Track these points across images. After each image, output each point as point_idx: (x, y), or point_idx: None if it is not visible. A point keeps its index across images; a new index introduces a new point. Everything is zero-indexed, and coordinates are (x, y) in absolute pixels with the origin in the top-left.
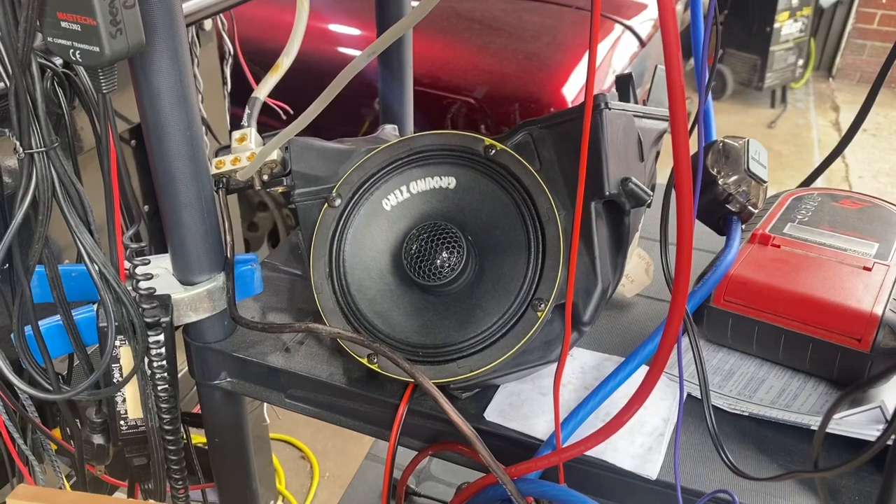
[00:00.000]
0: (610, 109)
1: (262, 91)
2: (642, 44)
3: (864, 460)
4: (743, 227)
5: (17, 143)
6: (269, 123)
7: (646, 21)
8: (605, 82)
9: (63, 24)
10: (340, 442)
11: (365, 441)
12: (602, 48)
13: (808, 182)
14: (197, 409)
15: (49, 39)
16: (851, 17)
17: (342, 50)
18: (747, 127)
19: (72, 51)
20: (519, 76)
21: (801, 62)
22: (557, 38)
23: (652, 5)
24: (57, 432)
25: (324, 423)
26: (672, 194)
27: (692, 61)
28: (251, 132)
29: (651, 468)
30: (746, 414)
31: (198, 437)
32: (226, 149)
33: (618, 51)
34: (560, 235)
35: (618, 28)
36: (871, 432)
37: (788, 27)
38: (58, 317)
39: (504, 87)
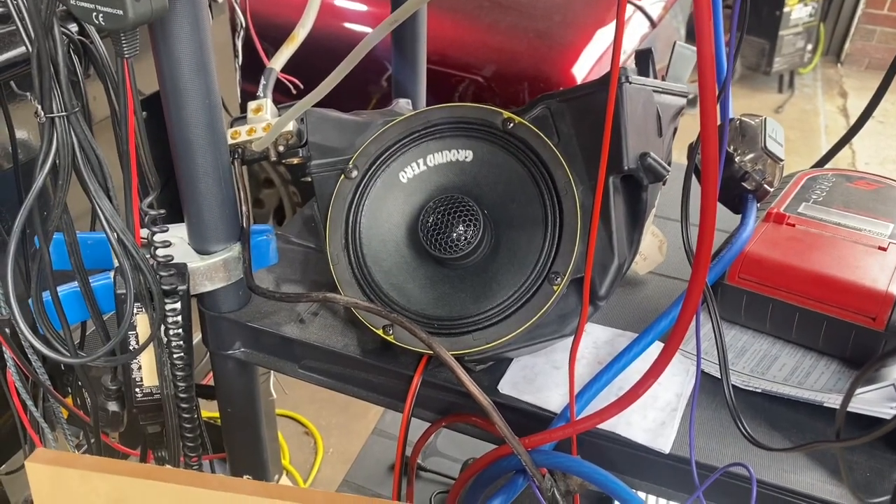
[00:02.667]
0: (631, 84)
1: (278, 62)
2: (653, 24)
3: (887, 431)
4: (758, 205)
5: (39, 107)
6: (278, 99)
7: (656, 2)
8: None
9: None
10: (344, 419)
11: (368, 418)
12: (612, 28)
13: (821, 163)
14: (206, 380)
15: (72, 2)
16: (861, 1)
17: (350, 26)
18: (754, 111)
19: (95, 14)
20: (529, 54)
21: (809, 47)
22: (568, 16)
23: None
24: (69, 400)
25: (328, 399)
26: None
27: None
28: (267, 102)
29: (664, 442)
30: (759, 390)
31: (205, 412)
32: (241, 119)
33: (629, 31)
34: (578, 210)
35: (629, 8)
36: (886, 409)
37: (798, 11)
38: (75, 283)
39: (513, 65)
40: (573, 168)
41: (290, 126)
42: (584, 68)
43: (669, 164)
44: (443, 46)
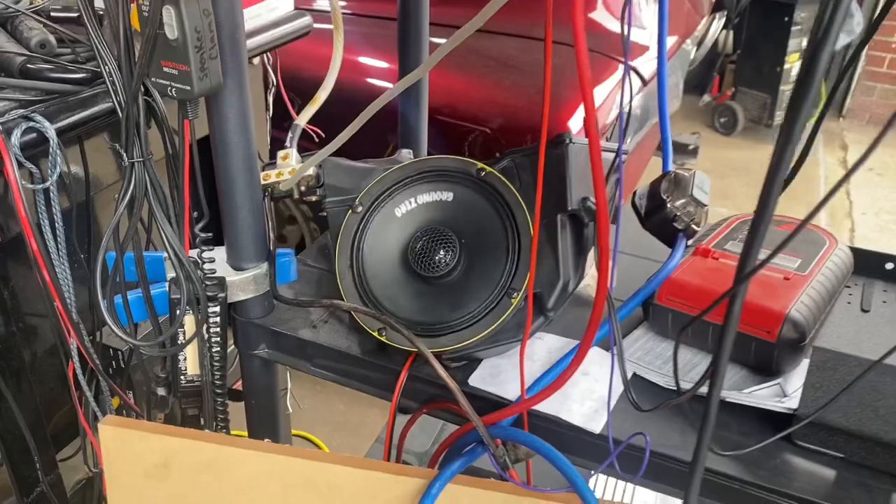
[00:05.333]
0: (573, 143)
1: (303, 119)
2: (644, 83)
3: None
4: (689, 242)
5: (124, 154)
6: (304, 145)
7: (648, 61)
8: (609, 117)
9: (165, 70)
10: (356, 440)
11: (380, 440)
12: (606, 87)
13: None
14: (235, 386)
15: (153, 79)
16: (862, 59)
17: (371, 81)
18: (756, 162)
19: (169, 88)
20: (530, 109)
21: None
22: (566, 76)
23: (654, 47)
24: (115, 401)
25: (341, 422)
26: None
27: (706, 97)
28: (293, 152)
29: (595, 425)
30: (675, 388)
31: None
32: (272, 164)
33: (621, 90)
34: (532, 242)
35: (621, 68)
36: (773, 403)
37: (798, 68)
38: (139, 290)
39: (516, 118)
40: (530, 208)
41: (311, 171)
42: (578, 122)
43: (617, 209)
44: (455, 101)
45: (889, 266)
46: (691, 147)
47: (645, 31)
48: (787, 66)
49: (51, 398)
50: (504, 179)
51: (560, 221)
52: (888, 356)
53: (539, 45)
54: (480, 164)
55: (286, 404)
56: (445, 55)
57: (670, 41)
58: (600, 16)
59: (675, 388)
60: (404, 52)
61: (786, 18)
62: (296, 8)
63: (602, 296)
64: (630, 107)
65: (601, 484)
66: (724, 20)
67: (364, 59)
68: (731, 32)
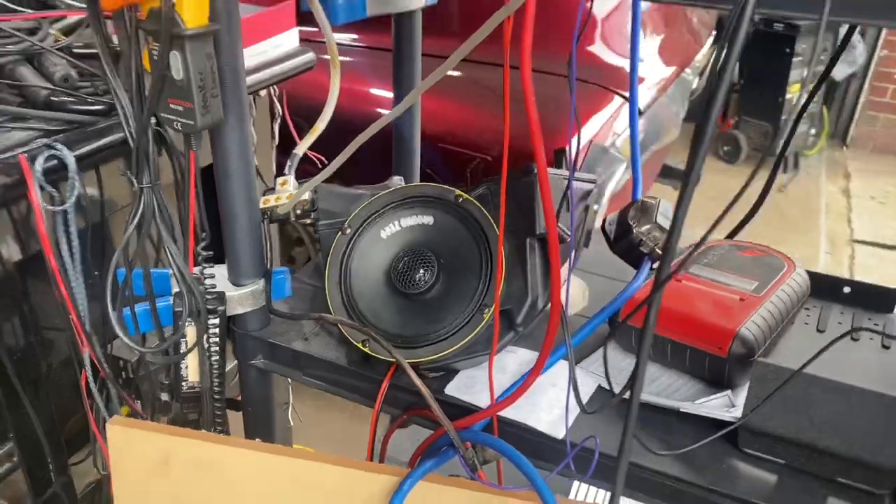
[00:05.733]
0: (534, 173)
1: (301, 148)
2: (640, 112)
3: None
4: (654, 266)
5: (134, 180)
6: (307, 169)
7: (645, 91)
8: (605, 144)
9: (171, 106)
10: (355, 455)
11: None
12: (602, 117)
13: (731, 235)
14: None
15: (161, 114)
16: (865, 90)
17: (381, 111)
18: (757, 189)
19: (175, 122)
20: (527, 138)
21: (813, 131)
22: (561, 106)
23: (650, 78)
24: (125, 409)
25: (340, 437)
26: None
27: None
28: (290, 178)
29: (559, 431)
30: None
31: None
32: (271, 190)
33: (618, 120)
34: (503, 263)
35: (617, 99)
36: (722, 413)
37: (797, 97)
38: (146, 303)
39: (514, 146)
40: (510, 237)
41: (306, 196)
42: (572, 149)
43: (589, 233)
44: (457, 130)
45: (846, 290)
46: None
47: (641, 63)
48: (788, 95)
49: (64, 406)
50: (479, 206)
51: (529, 244)
52: (807, 366)
53: (537, 77)
54: (458, 192)
55: (287, 417)
56: (454, 87)
57: (668, 71)
58: (598, 49)
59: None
60: (398, 83)
61: (787, 50)
62: (302, 41)
63: (556, 313)
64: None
65: (583, 491)
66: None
67: (374, 90)
68: (737, 64)
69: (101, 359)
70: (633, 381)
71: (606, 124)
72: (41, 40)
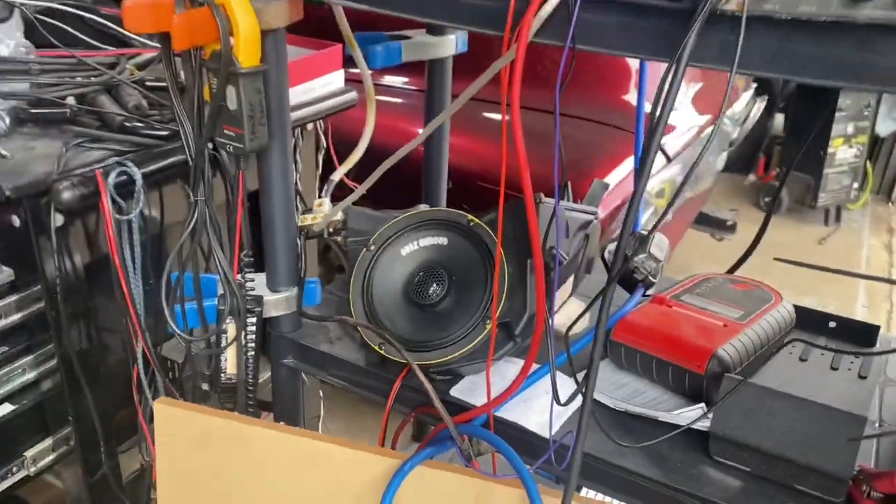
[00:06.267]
0: (543, 203)
1: (337, 174)
2: (669, 159)
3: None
4: (650, 293)
5: (191, 193)
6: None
7: (674, 140)
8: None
9: (225, 132)
10: None
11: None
12: (628, 162)
13: (731, 270)
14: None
15: (217, 139)
16: None
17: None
18: (799, 242)
19: (228, 146)
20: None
21: (855, 185)
22: (590, 150)
23: (681, 126)
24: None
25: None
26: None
27: (751, 176)
28: (326, 201)
29: (546, 431)
30: (622, 410)
31: None
32: (308, 210)
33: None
34: (506, 281)
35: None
36: (695, 423)
37: (843, 152)
38: (194, 303)
39: (542, 185)
40: (507, 253)
41: (338, 216)
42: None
43: (592, 261)
44: (490, 169)
45: (832, 324)
46: (729, 223)
47: (675, 112)
48: (831, 150)
49: (116, 399)
50: (488, 229)
51: (529, 265)
52: (754, 375)
53: (568, 121)
54: (470, 217)
55: (318, 427)
56: (487, 129)
57: (702, 119)
58: (632, 97)
59: (619, 409)
60: (429, 119)
61: (830, 105)
62: (349, 80)
63: (539, 329)
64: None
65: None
66: (764, 103)
67: (409, 127)
68: (782, 116)
69: (152, 350)
70: (587, 379)
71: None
72: (119, 73)
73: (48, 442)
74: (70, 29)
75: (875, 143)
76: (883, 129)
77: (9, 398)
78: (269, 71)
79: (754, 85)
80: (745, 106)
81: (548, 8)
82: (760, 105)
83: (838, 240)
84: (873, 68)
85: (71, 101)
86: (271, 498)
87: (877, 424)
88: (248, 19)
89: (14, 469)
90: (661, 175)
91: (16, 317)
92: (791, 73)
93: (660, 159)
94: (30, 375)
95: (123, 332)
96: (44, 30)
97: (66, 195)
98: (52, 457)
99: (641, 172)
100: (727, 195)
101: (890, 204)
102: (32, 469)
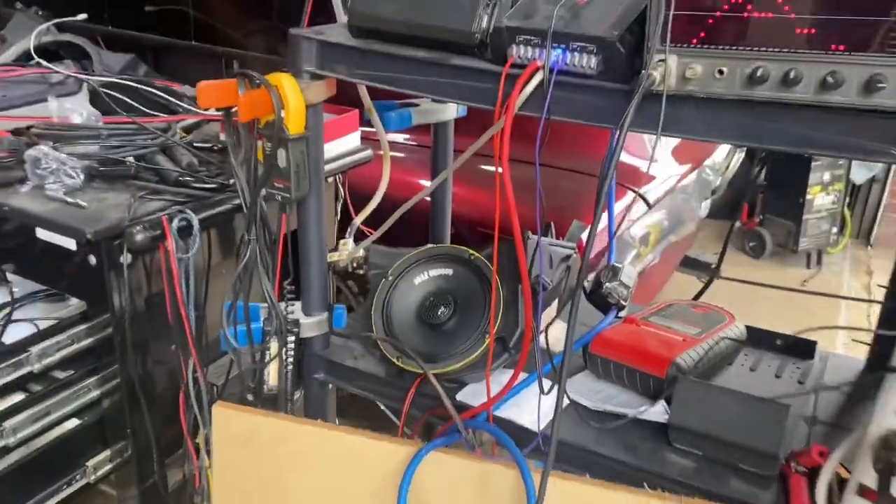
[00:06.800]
0: (530, 239)
1: (358, 220)
2: (649, 206)
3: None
4: (622, 314)
5: (245, 234)
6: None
7: (654, 188)
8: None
9: (275, 184)
10: None
11: None
12: (616, 209)
13: (696, 297)
14: None
15: (267, 190)
16: (886, 192)
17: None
18: (781, 283)
19: (277, 195)
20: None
21: (835, 230)
22: (575, 197)
23: (660, 176)
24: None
25: None
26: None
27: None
28: (350, 241)
29: (534, 426)
30: (599, 409)
31: None
32: (335, 249)
33: (631, 212)
34: (501, 304)
35: (630, 195)
36: (658, 417)
37: (821, 199)
38: (242, 325)
39: (533, 227)
40: (502, 280)
41: (360, 253)
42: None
43: (574, 288)
44: (488, 217)
45: (778, 342)
46: (713, 265)
47: (655, 163)
48: (809, 196)
49: (165, 417)
50: (486, 261)
51: (519, 290)
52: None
53: (556, 172)
54: (470, 252)
55: None
56: (484, 181)
57: (682, 169)
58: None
59: (596, 409)
60: (435, 173)
61: (806, 156)
62: (364, 138)
63: (528, 340)
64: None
65: None
66: (743, 153)
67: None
68: (761, 165)
69: (204, 371)
70: (561, 372)
71: (620, 214)
72: (171, 136)
73: (106, 453)
74: (127, 99)
75: (852, 189)
76: (857, 176)
77: (75, 414)
78: (310, 136)
79: None
80: (726, 157)
81: (528, 89)
82: (740, 156)
83: (820, 282)
84: (771, 132)
85: (130, 160)
86: (312, 484)
87: (811, 416)
88: (296, 97)
89: (77, 477)
90: (645, 220)
91: (86, 342)
92: (707, 136)
93: (642, 206)
94: (94, 394)
95: (172, 357)
96: (109, 100)
97: (139, 237)
98: (109, 466)
99: (596, 212)
100: (713, 240)
101: (869, 247)
102: (93, 477)
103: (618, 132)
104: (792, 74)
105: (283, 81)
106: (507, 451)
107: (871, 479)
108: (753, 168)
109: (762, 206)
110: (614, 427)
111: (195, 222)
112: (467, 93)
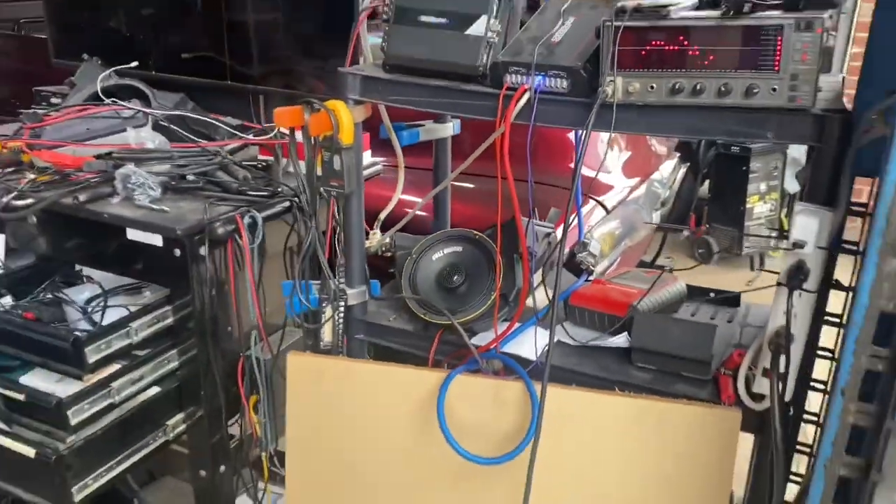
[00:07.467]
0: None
1: (382, 215)
2: (607, 211)
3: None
4: (592, 277)
5: (308, 222)
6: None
7: (611, 196)
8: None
9: (331, 183)
10: None
11: None
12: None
13: (648, 265)
14: None
15: (324, 188)
16: None
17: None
18: (728, 284)
19: (333, 191)
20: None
21: (774, 234)
22: (545, 203)
23: (618, 186)
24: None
25: None
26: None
27: (685, 232)
28: (378, 230)
29: (532, 355)
30: (580, 343)
31: None
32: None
33: (592, 216)
34: (501, 272)
35: (591, 202)
36: (621, 343)
37: (759, 207)
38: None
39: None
40: (501, 254)
41: (387, 239)
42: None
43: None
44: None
45: (712, 295)
46: (667, 268)
47: (609, 174)
48: (749, 205)
49: (229, 383)
50: (488, 239)
51: (515, 258)
52: (639, 304)
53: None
54: (476, 233)
55: None
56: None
57: (633, 181)
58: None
59: (579, 345)
60: (436, 182)
61: (743, 168)
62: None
63: (524, 296)
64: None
65: None
66: (686, 169)
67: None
68: (706, 180)
69: (267, 337)
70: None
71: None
72: (225, 157)
73: (181, 415)
74: (177, 128)
75: (787, 198)
76: (790, 186)
77: (157, 382)
78: (355, 146)
79: (677, 154)
80: (672, 172)
81: (520, 105)
82: (684, 170)
83: (763, 280)
84: (687, 126)
85: (190, 177)
86: (369, 409)
87: (737, 343)
88: (347, 117)
89: (159, 435)
90: (602, 228)
91: (168, 321)
92: (646, 132)
93: (601, 212)
94: (173, 364)
95: (234, 332)
96: (175, 127)
97: (220, 231)
98: (182, 427)
99: (571, 197)
100: (666, 248)
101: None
102: (171, 435)
103: (584, 132)
104: (698, 87)
105: (338, 106)
106: (513, 374)
107: (769, 362)
108: (696, 181)
109: (707, 216)
110: (590, 352)
111: (259, 220)
112: (474, 109)
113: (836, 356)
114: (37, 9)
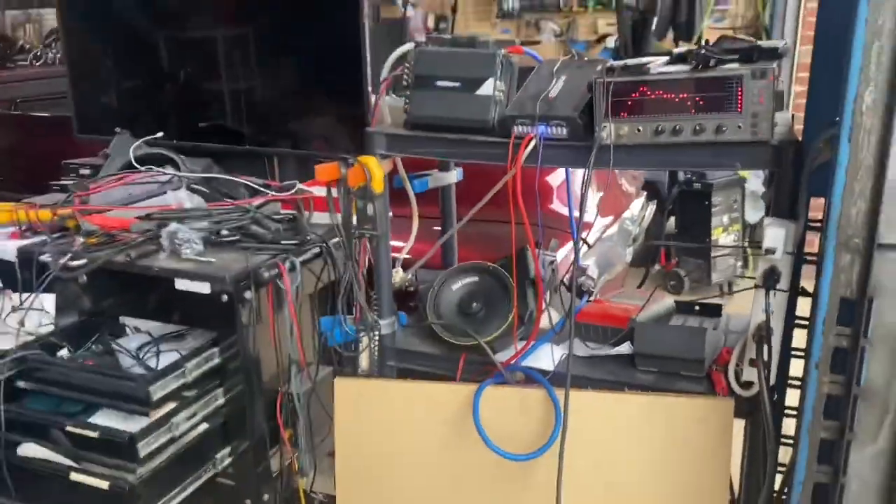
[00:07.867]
0: (528, 252)
1: (401, 255)
2: (589, 247)
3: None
4: (591, 298)
5: (348, 263)
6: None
7: (591, 233)
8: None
9: (365, 227)
10: None
11: None
12: (560, 253)
13: (638, 286)
14: None
15: (358, 231)
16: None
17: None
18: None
19: (367, 233)
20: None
21: (739, 263)
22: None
23: (596, 225)
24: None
25: None
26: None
27: (657, 266)
28: (399, 269)
29: (550, 367)
30: (589, 355)
31: None
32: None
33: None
34: (516, 299)
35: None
36: (625, 351)
37: (724, 239)
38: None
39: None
40: (519, 285)
41: (409, 276)
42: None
43: (559, 284)
44: None
45: (697, 308)
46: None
47: (586, 213)
48: (714, 237)
49: (269, 417)
50: (501, 269)
51: (527, 284)
52: (642, 315)
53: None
54: (489, 264)
55: None
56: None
57: (605, 220)
58: (556, 206)
59: (589, 355)
60: (444, 229)
61: (706, 202)
62: None
63: (538, 316)
64: None
65: None
66: (654, 207)
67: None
68: (672, 217)
69: (308, 368)
70: (569, 315)
71: (566, 257)
72: (255, 213)
73: (227, 449)
74: (205, 189)
75: (747, 229)
76: (750, 218)
77: (206, 419)
78: (385, 194)
79: (644, 193)
80: (641, 209)
81: (527, 151)
82: (652, 208)
83: (732, 306)
84: (670, 161)
85: (225, 231)
86: (409, 423)
87: (722, 344)
88: (378, 169)
89: (209, 468)
90: (587, 259)
91: (216, 361)
92: (637, 167)
93: (583, 248)
94: (220, 401)
95: (274, 369)
96: (204, 189)
97: (266, 275)
98: (229, 460)
99: (574, 227)
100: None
101: None
102: (220, 467)
103: (585, 171)
104: (677, 127)
105: (370, 160)
106: (534, 384)
107: (754, 353)
108: (664, 217)
109: (676, 250)
110: (598, 361)
111: (298, 264)
112: (487, 157)
113: (809, 339)
114: (35, 87)
